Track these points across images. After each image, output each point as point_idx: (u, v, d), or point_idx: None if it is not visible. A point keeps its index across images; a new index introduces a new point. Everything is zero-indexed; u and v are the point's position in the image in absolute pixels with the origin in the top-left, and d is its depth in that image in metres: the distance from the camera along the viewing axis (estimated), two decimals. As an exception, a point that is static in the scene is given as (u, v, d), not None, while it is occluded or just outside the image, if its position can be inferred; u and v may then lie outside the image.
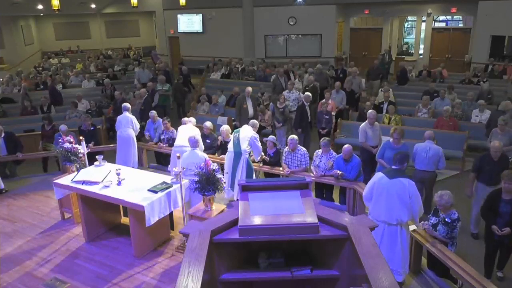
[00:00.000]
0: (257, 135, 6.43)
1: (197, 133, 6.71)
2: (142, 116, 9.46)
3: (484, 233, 4.96)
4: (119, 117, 7.99)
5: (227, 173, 6.23)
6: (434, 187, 6.18)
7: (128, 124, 7.88)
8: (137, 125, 8.07)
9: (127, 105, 8.10)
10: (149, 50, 22.68)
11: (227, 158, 6.34)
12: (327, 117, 8.68)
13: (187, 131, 6.86)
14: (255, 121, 6.83)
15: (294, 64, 13.77)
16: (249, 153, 6.32)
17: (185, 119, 7.60)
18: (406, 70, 12.51)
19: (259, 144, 6.41)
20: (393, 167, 4.36)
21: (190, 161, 5.37)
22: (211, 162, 4.83)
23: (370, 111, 7.24)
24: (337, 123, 9.13)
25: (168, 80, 12.40)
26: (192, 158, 5.55)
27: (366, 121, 7.08)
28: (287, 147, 6.48)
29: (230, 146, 6.31)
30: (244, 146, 6.17)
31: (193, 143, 5.86)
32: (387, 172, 4.37)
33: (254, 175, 6.40)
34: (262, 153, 6.57)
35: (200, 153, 5.87)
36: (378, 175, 4.40)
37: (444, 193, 4.40)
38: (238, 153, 6.17)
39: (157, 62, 16.93)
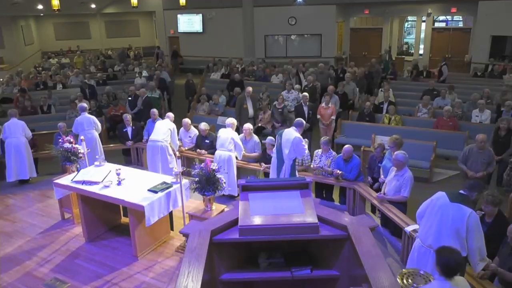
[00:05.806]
0: (301, 137, 5.62)
1: (172, 127, 7.12)
2: (142, 116, 9.45)
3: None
4: (77, 119, 7.64)
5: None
6: (434, 188, 6.10)
7: (91, 125, 7.57)
8: (99, 125, 7.81)
9: (84, 105, 7.81)
10: (149, 50, 22.72)
11: (272, 164, 5.91)
12: (381, 164, 6.04)
13: (163, 125, 7.10)
14: (301, 120, 5.86)
15: (294, 64, 13.75)
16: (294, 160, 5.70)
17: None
18: (418, 67, 13.04)
19: (304, 145, 5.64)
20: (461, 191, 3.75)
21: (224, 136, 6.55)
22: (211, 162, 4.84)
23: (479, 135, 5.92)
24: (337, 124, 9.12)
25: (164, 87, 12.24)
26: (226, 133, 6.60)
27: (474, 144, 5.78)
28: None
29: (274, 151, 5.89)
30: (287, 151, 5.54)
31: (229, 125, 6.69)
32: (450, 193, 3.76)
33: None
34: (305, 156, 6.13)
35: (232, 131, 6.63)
36: (439, 194, 3.82)
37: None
38: (280, 159, 5.65)
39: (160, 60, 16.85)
